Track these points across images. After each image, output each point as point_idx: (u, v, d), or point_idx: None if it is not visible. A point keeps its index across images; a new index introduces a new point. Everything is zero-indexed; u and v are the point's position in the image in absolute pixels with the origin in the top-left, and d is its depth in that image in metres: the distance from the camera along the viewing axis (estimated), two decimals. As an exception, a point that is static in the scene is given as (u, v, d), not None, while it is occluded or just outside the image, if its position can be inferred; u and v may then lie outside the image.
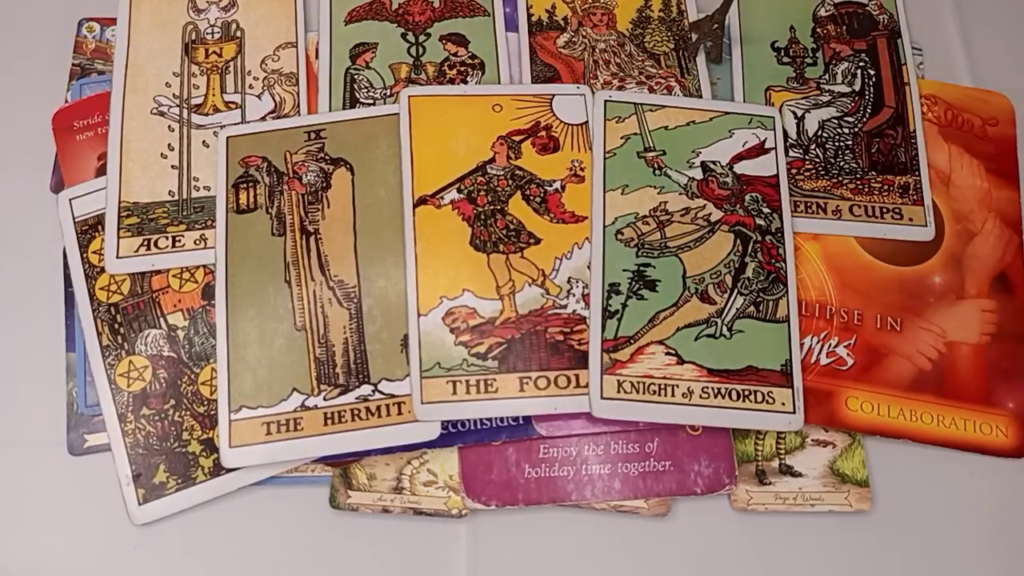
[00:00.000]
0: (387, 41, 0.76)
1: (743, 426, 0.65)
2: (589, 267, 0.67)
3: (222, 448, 0.63)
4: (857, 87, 0.77)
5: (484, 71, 0.75)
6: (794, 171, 0.73)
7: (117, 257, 0.68)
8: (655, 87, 0.75)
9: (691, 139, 0.72)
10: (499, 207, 0.69)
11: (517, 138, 0.71)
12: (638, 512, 0.65)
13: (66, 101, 0.74)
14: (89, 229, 0.69)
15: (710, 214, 0.70)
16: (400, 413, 0.64)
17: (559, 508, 0.65)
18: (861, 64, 0.77)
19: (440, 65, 0.75)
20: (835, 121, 0.75)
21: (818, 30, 0.79)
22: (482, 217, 0.69)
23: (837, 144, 0.74)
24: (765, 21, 0.79)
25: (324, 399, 0.64)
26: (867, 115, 0.76)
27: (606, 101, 0.72)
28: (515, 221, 0.69)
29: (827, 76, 0.77)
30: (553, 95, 0.73)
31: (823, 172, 0.73)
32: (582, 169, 0.70)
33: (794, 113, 0.75)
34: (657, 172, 0.71)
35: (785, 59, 0.78)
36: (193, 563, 0.64)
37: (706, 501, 0.66)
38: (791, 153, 0.73)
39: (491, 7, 0.78)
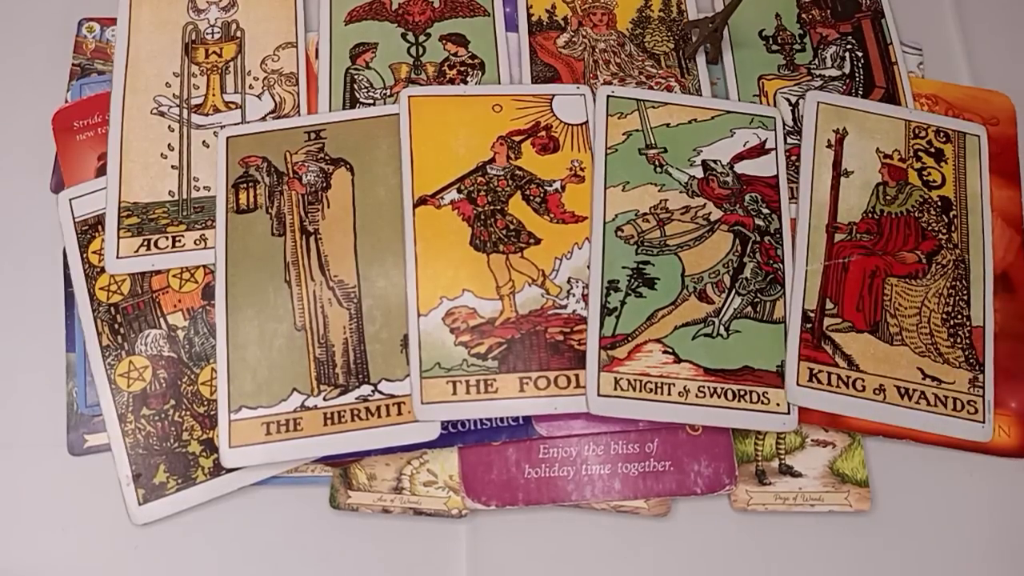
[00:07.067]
0: (387, 41, 0.76)
1: (737, 426, 0.65)
2: (588, 265, 0.67)
3: (222, 448, 0.63)
4: (847, 70, 0.77)
5: (484, 71, 0.75)
6: (794, 158, 0.73)
7: (117, 257, 0.68)
8: (655, 87, 0.75)
9: (692, 137, 0.72)
10: (499, 207, 0.69)
11: (517, 138, 0.71)
12: (638, 512, 0.65)
13: (66, 101, 0.74)
14: (89, 229, 0.69)
15: (710, 213, 0.70)
16: (400, 413, 0.64)
17: (559, 508, 0.65)
18: (848, 47, 0.78)
19: (440, 65, 0.75)
20: (829, 105, 0.75)
21: (803, 15, 0.79)
22: (482, 217, 0.69)
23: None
24: (751, 10, 0.78)
25: (324, 399, 0.64)
26: (859, 96, 0.76)
27: (608, 96, 0.72)
28: (515, 221, 0.69)
29: (816, 61, 0.77)
30: (553, 95, 0.73)
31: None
32: (582, 169, 0.70)
33: (788, 100, 0.75)
34: (658, 169, 0.71)
35: (774, 47, 0.78)
36: (193, 563, 0.64)
37: (706, 501, 0.66)
38: (789, 140, 0.73)
39: (491, 7, 0.78)
